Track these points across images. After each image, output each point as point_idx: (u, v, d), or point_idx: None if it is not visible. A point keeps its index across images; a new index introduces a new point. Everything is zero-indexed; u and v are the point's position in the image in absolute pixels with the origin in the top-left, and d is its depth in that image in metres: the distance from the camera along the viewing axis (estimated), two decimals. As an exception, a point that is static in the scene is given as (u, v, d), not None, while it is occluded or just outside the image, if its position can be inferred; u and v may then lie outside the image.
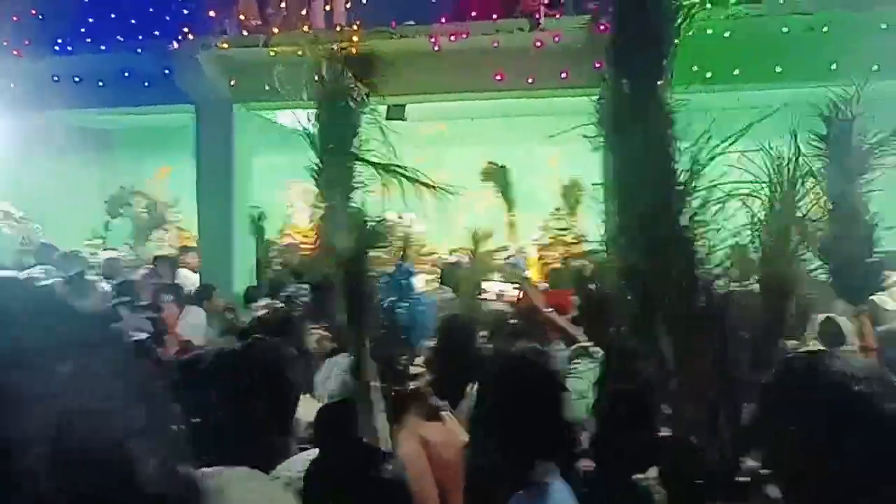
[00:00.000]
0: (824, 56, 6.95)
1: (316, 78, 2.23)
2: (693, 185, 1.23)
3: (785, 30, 6.22)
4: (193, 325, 6.31)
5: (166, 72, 8.56)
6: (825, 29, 7.02)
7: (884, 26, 6.90)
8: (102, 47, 8.88)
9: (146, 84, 8.75)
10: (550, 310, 4.65)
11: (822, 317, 4.84)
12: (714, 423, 1.11)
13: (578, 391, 3.04)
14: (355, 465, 2.08)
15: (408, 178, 2.23)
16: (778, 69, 5.75)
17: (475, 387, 2.67)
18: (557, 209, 10.20)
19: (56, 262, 8.18)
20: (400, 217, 7.26)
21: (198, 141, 8.72)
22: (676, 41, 1.25)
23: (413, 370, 2.74)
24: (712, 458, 1.10)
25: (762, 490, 1.11)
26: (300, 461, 2.30)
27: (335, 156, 2.17)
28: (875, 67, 6.85)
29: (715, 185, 1.24)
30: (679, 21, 1.28)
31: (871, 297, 3.18)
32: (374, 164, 2.18)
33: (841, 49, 6.96)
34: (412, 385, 2.73)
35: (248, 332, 4.00)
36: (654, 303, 1.22)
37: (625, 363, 2.87)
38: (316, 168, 2.19)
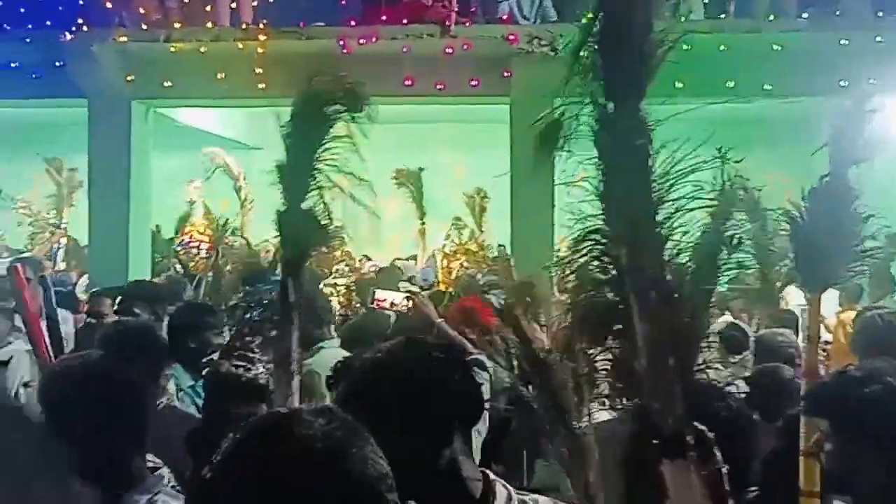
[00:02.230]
0: (722, 74, 7.28)
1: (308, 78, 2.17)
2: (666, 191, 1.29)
3: (686, 48, 6.44)
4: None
5: (58, 64, 8.11)
6: (722, 48, 7.37)
7: (776, 48, 7.28)
8: (-12, 35, 8.36)
9: (35, 76, 8.26)
10: (441, 321, 4.61)
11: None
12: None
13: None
14: None
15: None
16: (679, 85, 5.93)
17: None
18: (458, 219, 10.13)
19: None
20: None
21: (91, 137, 8.28)
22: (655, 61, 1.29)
23: None
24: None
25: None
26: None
27: (300, 159, 2.12)
28: (768, 87, 7.34)
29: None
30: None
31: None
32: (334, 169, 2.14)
33: (736, 68, 7.34)
34: None
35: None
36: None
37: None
38: (280, 167, 2.13)
